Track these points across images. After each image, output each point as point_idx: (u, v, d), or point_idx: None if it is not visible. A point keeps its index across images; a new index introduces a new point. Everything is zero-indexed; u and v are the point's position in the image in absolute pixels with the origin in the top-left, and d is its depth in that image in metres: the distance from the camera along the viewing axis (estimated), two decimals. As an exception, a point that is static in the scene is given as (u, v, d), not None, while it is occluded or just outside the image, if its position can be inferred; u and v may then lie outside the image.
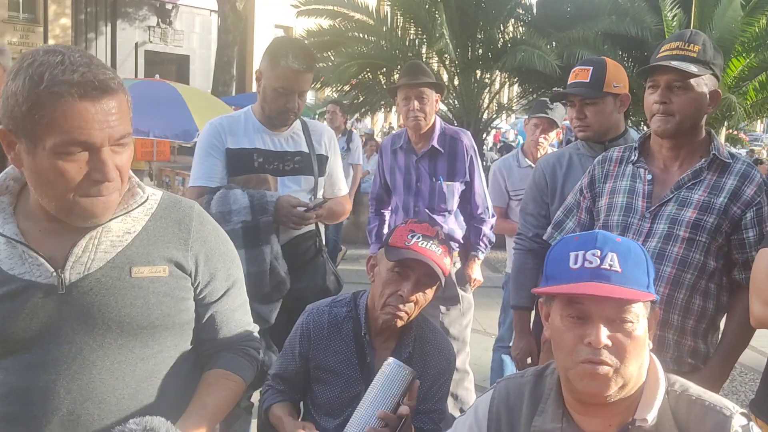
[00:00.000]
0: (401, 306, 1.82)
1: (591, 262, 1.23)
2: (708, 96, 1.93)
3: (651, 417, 1.23)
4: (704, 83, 1.92)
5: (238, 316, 1.46)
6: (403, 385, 1.62)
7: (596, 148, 2.54)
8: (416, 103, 3.15)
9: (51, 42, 20.67)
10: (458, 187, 3.28)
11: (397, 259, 1.82)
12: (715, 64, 1.93)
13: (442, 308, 3.27)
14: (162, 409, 1.28)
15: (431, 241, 1.83)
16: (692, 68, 1.88)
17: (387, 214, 3.53)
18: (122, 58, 27.01)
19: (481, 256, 3.40)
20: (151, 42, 27.78)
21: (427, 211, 3.24)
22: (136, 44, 27.33)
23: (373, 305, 1.89)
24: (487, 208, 3.37)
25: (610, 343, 1.20)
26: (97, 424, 1.25)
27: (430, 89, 3.19)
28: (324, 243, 2.74)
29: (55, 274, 1.22)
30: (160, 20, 27.95)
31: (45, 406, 1.23)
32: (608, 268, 1.22)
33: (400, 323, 1.86)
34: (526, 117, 4.33)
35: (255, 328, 1.53)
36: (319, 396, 1.94)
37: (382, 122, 28.58)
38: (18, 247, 1.22)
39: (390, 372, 1.62)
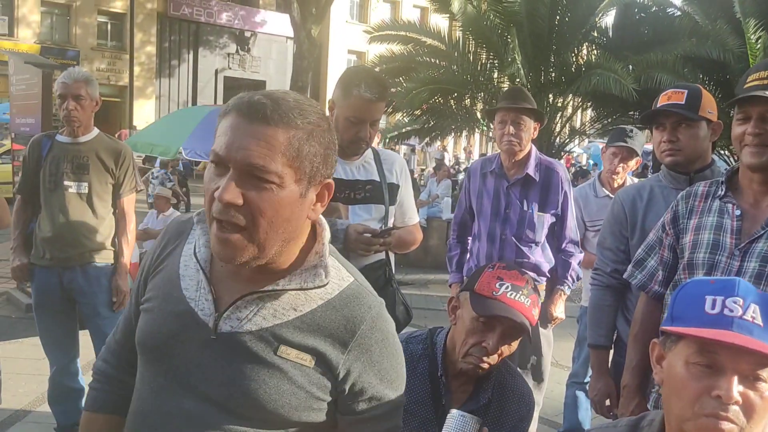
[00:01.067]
0: (485, 358, 1.76)
1: (732, 311, 1.15)
2: None
3: None
4: None
5: None
6: None
7: (680, 179, 2.42)
8: (511, 128, 3.08)
9: (137, 69, 21.69)
10: (549, 218, 3.18)
11: (484, 313, 1.75)
12: None
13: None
14: None
15: (520, 292, 1.76)
16: None
17: (469, 242, 3.40)
18: (203, 84, 28.12)
19: (568, 291, 3.28)
20: (230, 68, 28.86)
21: (514, 239, 3.14)
22: (216, 71, 28.43)
23: (453, 348, 1.83)
24: (577, 243, 3.26)
25: (741, 400, 1.11)
26: None
27: (529, 116, 3.11)
28: (393, 272, 2.72)
29: (213, 317, 1.18)
30: (239, 47, 29.04)
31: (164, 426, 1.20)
32: (751, 320, 1.14)
33: (480, 373, 1.80)
34: (604, 144, 4.21)
35: None
36: None
37: (452, 146, 28.54)
38: (200, 272, 1.22)
39: (456, 425, 1.56)
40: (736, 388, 1.11)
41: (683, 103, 2.33)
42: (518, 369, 3.10)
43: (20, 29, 24.67)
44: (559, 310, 3.26)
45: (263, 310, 1.18)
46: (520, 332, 1.76)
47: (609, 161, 3.77)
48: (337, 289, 1.21)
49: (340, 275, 1.24)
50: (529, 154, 3.18)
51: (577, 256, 3.24)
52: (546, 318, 3.22)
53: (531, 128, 3.12)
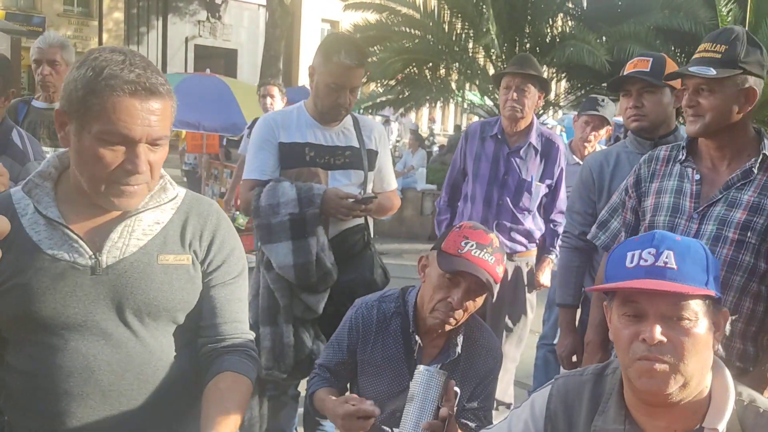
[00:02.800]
0: (450, 313, 1.83)
1: (646, 260, 1.23)
2: (741, 94, 1.90)
3: (722, 427, 1.21)
4: (732, 83, 1.88)
5: (238, 306, 1.51)
6: (438, 389, 1.62)
7: (645, 144, 2.52)
8: (515, 93, 3.10)
9: (105, 36, 21.23)
10: (544, 188, 3.24)
11: (449, 269, 1.82)
12: (747, 62, 1.88)
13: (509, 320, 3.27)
14: (181, 382, 1.42)
15: (485, 250, 1.82)
16: (711, 71, 1.86)
17: (459, 205, 3.41)
18: (173, 52, 27.54)
19: (555, 259, 3.35)
20: (200, 36, 28.25)
21: (511, 205, 3.18)
22: (186, 38, 27.82)
23: (423, 305, 1.90)
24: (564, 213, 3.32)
25: (665, 340, 1.19)
26: (136, 396, 1.37)
27: (534, 84, 3.13)
28: (372, 236, 2.78)
29: (93, 256, 1.33)
30: (209, 15, 28.40)
31: (87, 380, 1.33)
32: (663, 265, 1.22)
33: (448, 328, 1.87)
34: (575, 114, 4.30)
35: (249, 332, 1.56)
36: (366, 389, 1.97)
37: (427, 117, 28.51)
38: (59, 229, 1.32)
39: (423, 379, 1.63)
40: (658, 329, 1.19)
41: (648, 70, 2.43)
42: (504, 331, 3.22)
43: (-17, -6, 23.90)
44: (545, 277, 3.34)
45: (135, 232, 1.37)
46: (484, 288, 1.83)
47: (581, 129, 3.86)
48: (180, 198, 1.45)
49: (175, 189, 1.46)
50: (531, 123, 3.21)
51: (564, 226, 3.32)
52: (532, 283, 3.30)
53: (535, 96, 3.14)
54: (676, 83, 2.46)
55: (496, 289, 1.86)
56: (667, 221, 1.99)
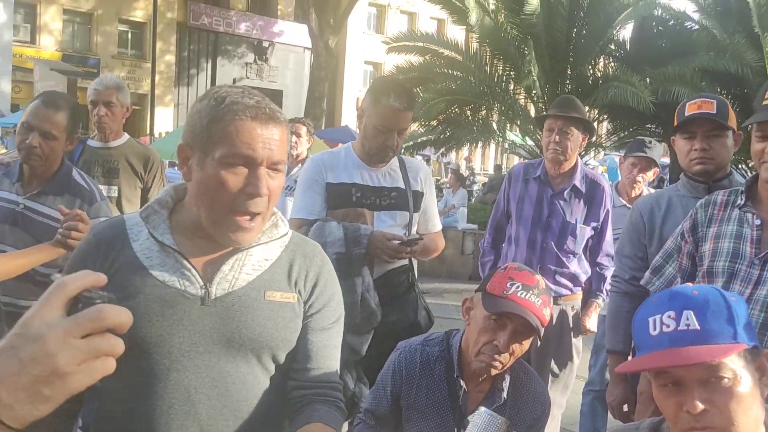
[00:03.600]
0: (496, 356, 1.79)
1: (668, 326, 1.19)
2: None
3: None
4: None
5: (332, 353, 1.50)
6: None
7: (699, 188, 2.46)
8: (557, 136, 3.07)
9: (157, 77, 21.97)
10: (589, 231, 3.18)
11: (494, 310, 1.79)
12: None
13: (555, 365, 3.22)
14: (272, 424, 1.42)
15: (531, 291, 1.79)
16: None
17: (503, 247, 3.35)
18: (220, 92, 28.27)
19: (602, 303, 3.27)
20: (247, 78, 29.07)
21: (555, 248, 3.14)
22: (234, 80, 28.62)
23: (467, 349, 1.87)
24: (612, 257, 3.23)
25: (708, 407, 1.14)
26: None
27: (577, 126, 3.10)
28: (416, 277, 2.78)
29: (204, 286, 1.33)
30: (257, 57, 29.28)
31: (187, 413, 1.32)
32: (686, 328, 1.17)
33: (494, 372, 1.84)
34: (618, 154, 4.27)
35: (339, 381, 1.55)
36: None
37: (465, 157, 28.56)
38: (172, 256, 1.33)
39: (482, 423, 1.58)
40: (699, 396, 1.14)
41: (714, 112, 2.36)
42: (550, 376, 3.15)
43: (42, 37, 25.05)
44: (592, 321, 3.26)
45: (245, 266, 1.37)
46: (531, 331, 1.79)
47: (628, 171, 3.80)
48: (288, 237, 1.46)
49: (286, 227, 1.47)
50: (575, 165, 3.17)
51: (611, 269, 3.18)
52: (578, 328, 3.24)
53: (578, 138, 3.10)
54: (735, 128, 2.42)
55: (542, 332, 1.83)
56: (727, 267, 1.93)
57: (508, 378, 1.90)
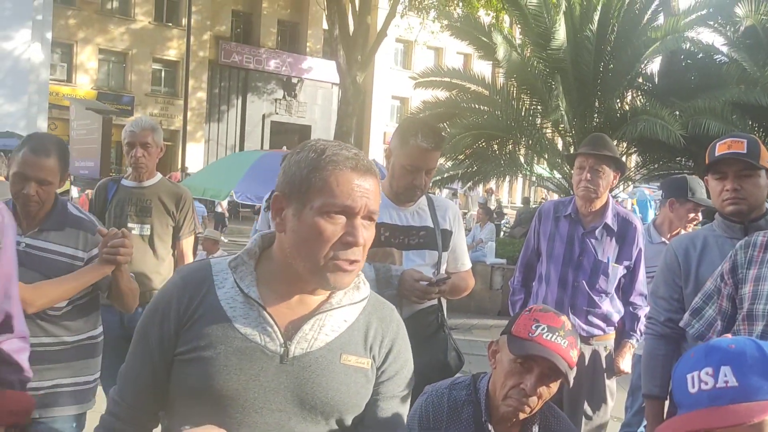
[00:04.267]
0: (524, 400, 1.78)
1: (706, 383, 1.18)
2: None
3: None
4: None
5: (400, 421, 1.50)
6: None
7: (734, 228, 2.42)
8: (589, 174, 3.04)
9: (189, 113, 22.44)
10: (621, 270, 3.13)
11: (520, 353, 1.78)
12: None
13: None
14: None
15: (557, 333, 1.78)
16: None
17: (534, 286, 3.32)
18: (250, 128, 28.87)
19: (635, 344, 3.22)
20: (277, 113, 29.59)
21: (587, 287, 3.09)
22: (264, 116, 29.17)
23: (495, 392, 1.85)
24: (645, 296, 3.18)
25: None
26: None
27: (609, 165, 3.07)
28: (445, 317, 2.75)
29: (284, 345, 1.34)
30: (285, 93, 29.81)
31: None
32: (724, 385, 1.16)
33: (522, 416, 1.81)
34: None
35: None
36: None
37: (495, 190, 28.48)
38: (256, 309, 1.34)
39: None
40: None
41: (745, 152, 2.34)
42: (583, 418, 3.07)
43: (78, 75, 25.84)
44: (626, 363, 3.20)
45: (324, 327, 1.38)
46: (558, 374, 1.77)
47: (683, 218, 3.76)
48: (366, 297, 1.45)
49: (367, 289, 1.47)
50: (606, 202, 3.13)
51: (645, 309, 3.14)
52: (612, 369, 3.17)
53: (610, 177, 3.07)
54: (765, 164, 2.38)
55: (572, 374, 1.80)
56: (767, 310, 1.89)
57: (537, 423, 1.87)
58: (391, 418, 1.46)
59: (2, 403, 1.61)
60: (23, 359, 1.75)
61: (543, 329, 1.78)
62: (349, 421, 1.41)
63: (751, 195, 2.36)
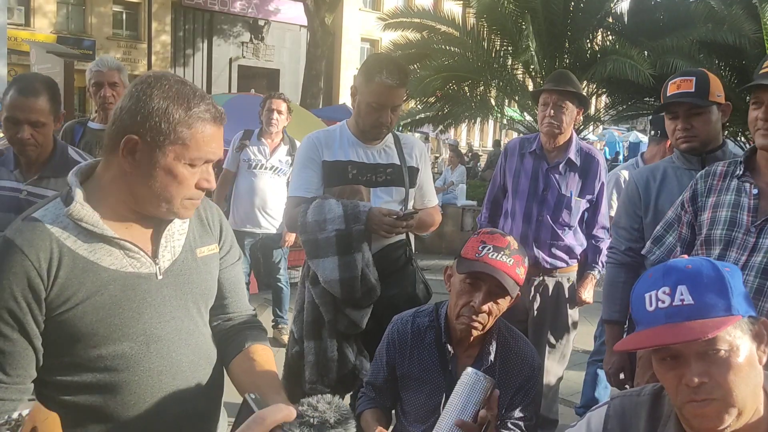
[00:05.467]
0: (474, 317, 1.87)
1: (663, 302, 1.21)
2: None
3: None
4: None
5: (242, 287, 1.70)
6: (482, 393, 1.63)
7: (693, 160, 2.50)
8: (552, 110, 3.09)
9: (153, 58, 21.83)
10: (584, 204, 3.21)
11: (466, 271, 1.87)
12: None
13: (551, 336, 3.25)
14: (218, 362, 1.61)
15: (502, 252, 1.87)
16: None
17: (500, 222, 3.39)
18: (217, 72, 28.19)
19: (597, 275, 3.32)
20: (244, 57, 28.88)
21: (551, 221, 3.16)
22: (231, 59, 28.46)
23: (451, 314, 1.95)
24: (607, 228, 3.28)
25: (706, 380, 1.17)
26: (205, 380, 1.54)
27: (572, 100, 3.11)
28: (413, 252, 2.81)
29: (153, 264, 1.45)
30: (252, 36, 29.05)
31: (173, 372, 1.46)
32: (680, 303, 1.20)
33: (475, 333, 1.91)
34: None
35: (251, 307, 1.75)
36: (407, 403, 2.02)
37: (465, 134, 28.49)
38: (115, 243, 1.40)
39: (468, 381, 1.64)
40: (696, 371, 1.17)
41: (693, 90, 2.40)
42: (547, 347, 3.19)
43: (36, 19, 24.84)
44: (587, 293, 3.30)
45: (174, 235, 1.50)
46: (505, 291, 1.86)
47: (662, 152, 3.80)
48: None
49: None
50: (570, 138, 3.19)
51: (607, 241, 3.24)
52: (574, 299, 3.28)
53: (573, 112, 3.12)
54: (721, 99, 2.44)
55: (516, 290, 1.89)
56: (724, 235, 1.97)
57: (494, 341, 1.97)
58: (236, 283, 1.67)
59: None
60: None
61: (489, 249, 1.87)
62: (211, 304, 1.60)
63: (702, 132, 2.45)
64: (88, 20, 26.00)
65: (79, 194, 1.38)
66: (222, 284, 1.63)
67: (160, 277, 1.45)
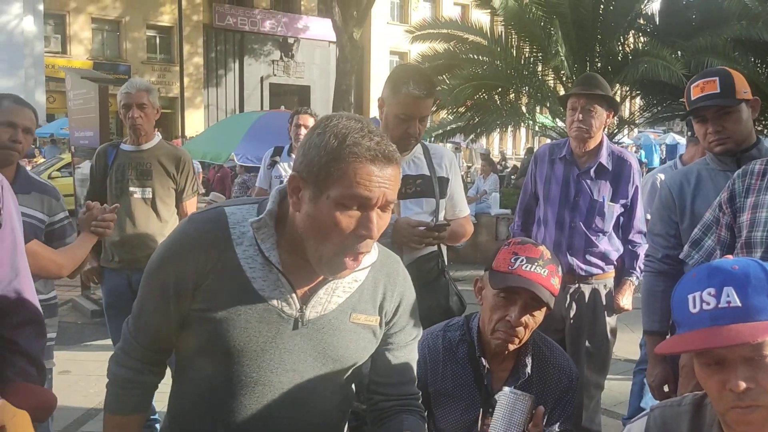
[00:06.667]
0: (510, 331, 1.82)
1: (708, 304, 1.16)
2: None
3: None
4: None
5: (412, 367, 1.58)
6: (524, 414, 1.59)
7: (727, 161, 2.42)
8: (581, 114, 3.03)
9: (186, 80, 22.26)
10: (618, 209, 3.13)
11: (500, 286, 1.82)
12: None
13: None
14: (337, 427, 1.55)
15: (536, 263, 1.82)
16: None
17: (533, 230, 3.33)
18: (249, 91, 28.64)
19: (636, 282, 3.24)
20: (274, 75, 29.32)
21: (584, 227, 3.10)
22: (262, 78, 28.90)
23: (484, 328, 1.90)
24: (644, 233, 3.17)
25: (752, 385, 1.13)
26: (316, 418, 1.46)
27: (601, 104, 3.05)
28: (446, 263, 2.78)
29: (300, 309, 1.38)
30: (283, 54, 29.49)
31: (266, 419, 1.40)
32: (726, 305, 1.15)
33: (512, 347, 1.86)
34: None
35: (417, 391, 1.63)
36: (441, 420, 1.96)
37: (498, 142, 28.31)
38: (275, 273, 1.35)
39: (507, 402, 1.60)
40: (743, 375, 1.13)
41: (719, 91, 2.32)
42: (585, 356, 3.12)
43: (73, 46, 25.59)
44: (625, 300, 3.22)
45: (337, 290, 1.41)
46: (541, 303, 1.81)
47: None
48: (375, 255, 1.47)
49: (377, 250, 1.48)
50: (601, 142, 3.12)
51: (644, 246, 3.12)
52: (612, 307, 3.20)
53: (603, 116, 3.06)
54: (749, 95, 2.36)
55: (553, 301, 1.84)
56: (765, 237, 1.91)
57: (530, 354, 1.92)
58: (405, 363, 1.55)
59: (25, 398, 1.54)
60: (40, 348, 1.66)
61: (522, 261, 1.82)
62: (352, 372, 1.49)
63: (734, 132, 2.36)
64: (123, 45, 26.69)
65: (271, 211, 1.36)
66: (388, 364, 1.53)
67: (299, 325, 1.38)
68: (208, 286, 1.35)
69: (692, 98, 2.40)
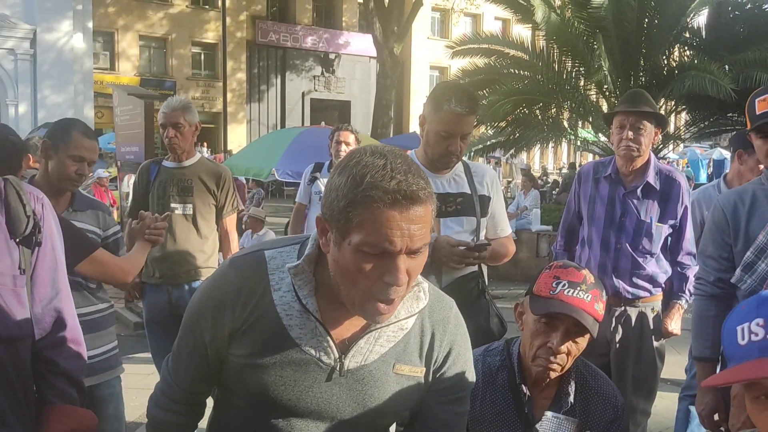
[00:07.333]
0: (552, 358, 1.76)
1: (757, 335, 1.13)
2: None
3: None
4: None
5: (462, 421, 1.48)
6: None
7: None
8: (630, 132, 2.93)
9: (229, 95, 22.67)
10: (666, 229, 3.02)
11: (542, 312, 1.75)
12: None
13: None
14: None
15: (578, 288, 1.75)
16: None
17: (576, 250, 3.23)
18: (290, 106, 29.03)
19: (685, 305, 3.11)
20: (316, 90, 29.67)
21: (630, 249, 3.00)
22: (303, 93, 29.26)
23: (525, 354, 1.83)
24: (694, 255, 3.05)
25: None
26: None
27: (650, 121, 2.96)
28: (486, 283, 2.72)
29: (339, 359, 1.32)
30: (324, 69, 29.83)
31: None
32: None
33: (553, 375, 1.79)
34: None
35: None
36: None
37: (539, 157, 28.03)
38: (312, 321, 1.30)
39: (550, 427, 1.55)
40: None
41: None
42: (632, 382, 3.01)
43: (120, 63, 26.31)
44: (674, 324, 3.10)
45: (380, 339, 1.34)
46: (584, 329, 1.74)
47: (754, 164, 3.54)
48: (425, 301, 1.36)
49: (427, 297, 1.36)
50: (648, 160, 3.02)
51: (694, 269, 3.01)
52: (660, 331, 3.09)
53: (651, 134, 2.96)
54: None
55: (596, 328, 1.77)
56: None
57: (573, 381, 1.85)
58: (454, 417, 1.45)
59: (66, 421, 1.57)
60: (80, 367, 1.67)
61: (564, 285, 1.75)
62: (393, 423, 1.44)
63: None
64: (169, 62, 27.33)
65: (309, 255, 1.29)
66: (434, 417, 1.43)
67: (337, 375, 1.32)
68: (244, 333, 1.31)
69: (757, 112, 2.28)
